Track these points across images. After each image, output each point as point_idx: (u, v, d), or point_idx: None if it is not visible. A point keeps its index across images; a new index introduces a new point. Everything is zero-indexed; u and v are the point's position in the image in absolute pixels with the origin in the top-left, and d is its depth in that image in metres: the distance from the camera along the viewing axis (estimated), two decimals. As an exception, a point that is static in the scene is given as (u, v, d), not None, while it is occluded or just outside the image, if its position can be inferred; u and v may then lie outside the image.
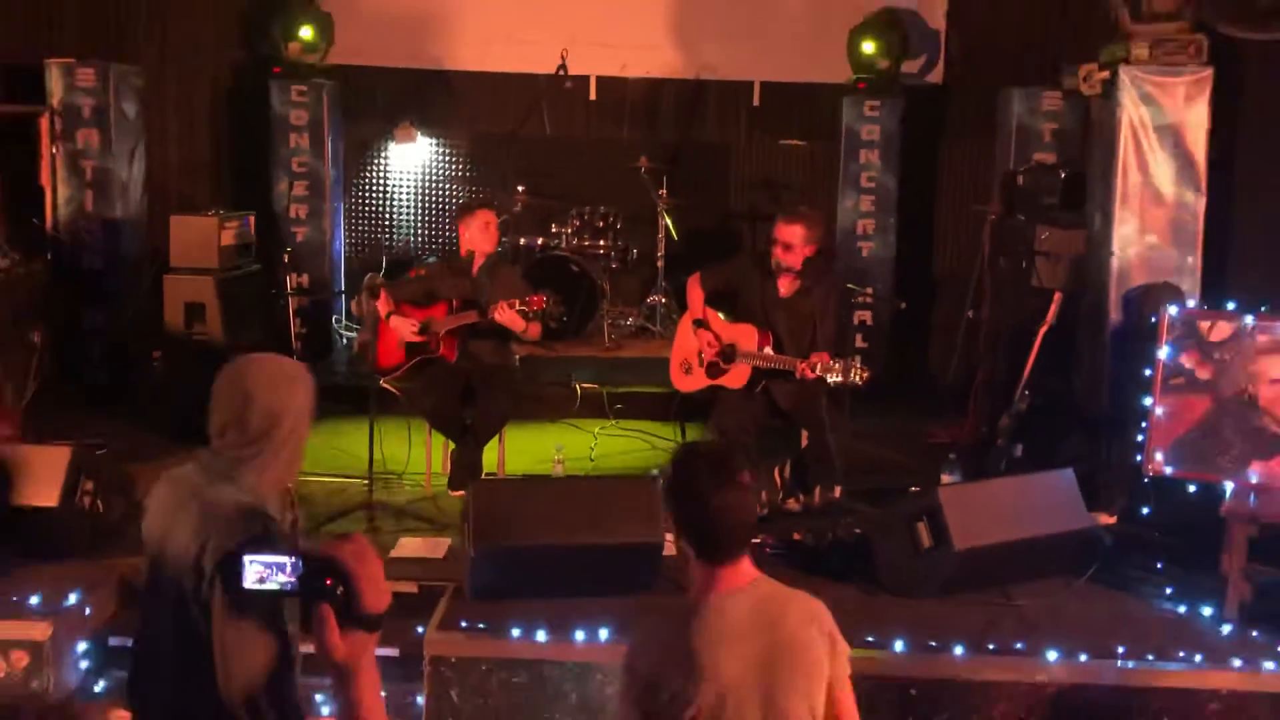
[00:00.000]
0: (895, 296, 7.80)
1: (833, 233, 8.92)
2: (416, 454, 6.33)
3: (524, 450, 6.72)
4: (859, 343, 8.52)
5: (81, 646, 4.69)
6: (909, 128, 8.76)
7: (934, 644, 4.53)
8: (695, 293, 6.05)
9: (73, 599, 4.71)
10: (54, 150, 7.97)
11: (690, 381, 6.05)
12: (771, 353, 5.77)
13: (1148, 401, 5.28)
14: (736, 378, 5.85)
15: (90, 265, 7.99)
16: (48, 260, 7.85)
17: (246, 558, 1.50)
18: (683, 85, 9.40)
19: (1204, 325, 5.20)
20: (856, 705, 2.77)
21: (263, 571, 1.51)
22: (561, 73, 8.52)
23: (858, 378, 5.49)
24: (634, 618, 2.83)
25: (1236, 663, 4.49)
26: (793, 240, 5.78)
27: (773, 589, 2.74)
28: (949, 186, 9.29)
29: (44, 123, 7.96)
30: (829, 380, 5.53)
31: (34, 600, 4.66)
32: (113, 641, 4.79)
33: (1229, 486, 5.00)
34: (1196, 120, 5.82)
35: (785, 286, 5.92)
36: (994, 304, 7.56)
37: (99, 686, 4.68)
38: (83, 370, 7.88)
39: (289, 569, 1.50)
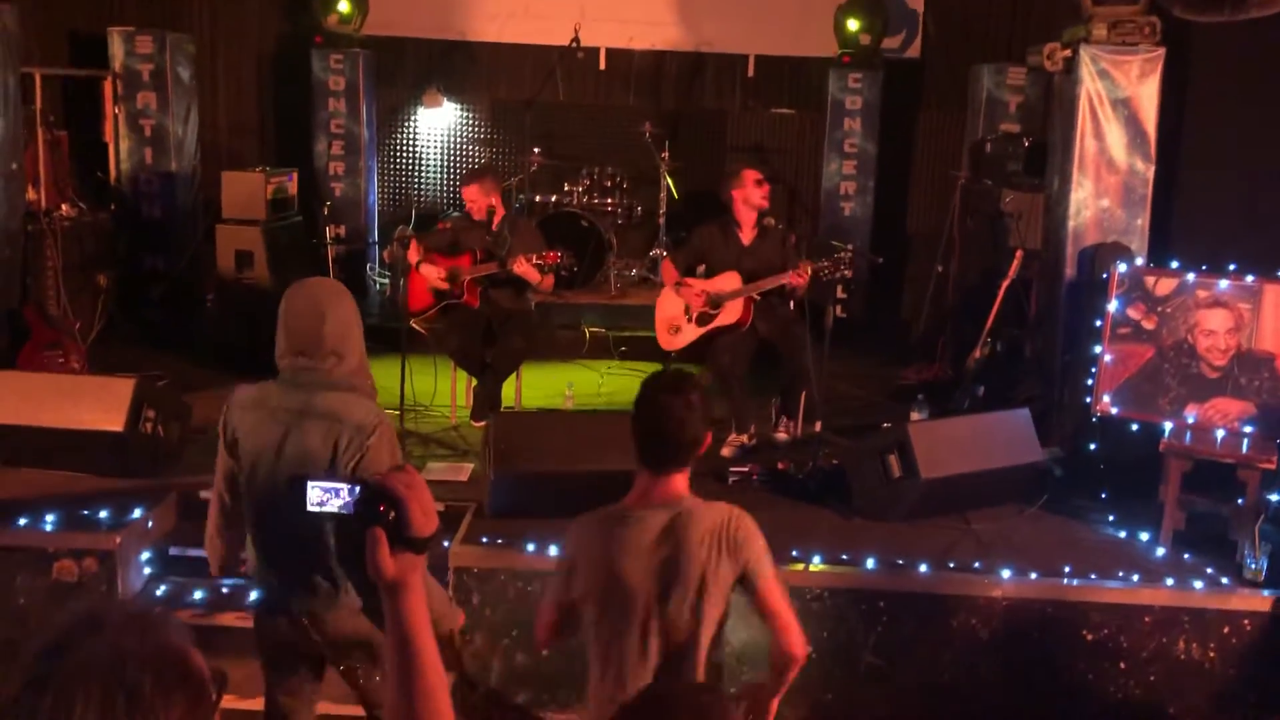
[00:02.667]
0: (872, 252, 7.75)
1: (817, 194, 8.90)
2: (442, 388, 6.35)
3: (538, 386, 6.73)
4: (839, 294, 8.50)
5: (145, 555, 4.74)
6: (888, 98, 8.69)
7: (901, 562, 4.57)
8: (670, 271, 6.04)
9: (137, 513, 4.75)
10: (116, 111, 7.91)
11: (679, 339, 5.99)
12: (759, 280, 5.78)
13: (1097, 349, 5.29)
14: (730, 314, 5.84)
15: (150, 215, 7.96)
16: (111, 210, 7.83)
17: (310, 482, 1.51)
18: (684, 57, 9.30)
19: (1150, 281, 5.19)
20: (785, 598, 2.70)
21: (323, 495, 1.52)
22: (574, 44, 8.42)
23: (846, 268, 5.52)
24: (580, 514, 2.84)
25: (1169, 582, 4.53)
26: (764, 188, 5.97)
27: (691, 507, 2.69)
28: (923, 153, 9.22)
29: (107, 85, 7.89)
30: (823, 276, 5.57)
31: (103, 514, 4.70)
32: (172, 551, 4.85)
33: (1168, 426, 5.02)
34: (1148, 95, 5.77)
35: (747, 236, 5.94)
36: (961, 260, 7.55)
37: (160, 590, 4.74)
38: (143, 310, 7.88)
39: (346, 494, 1.51)
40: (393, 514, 1.47)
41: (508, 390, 6.25)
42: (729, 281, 5.85)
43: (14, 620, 4.52)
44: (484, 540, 4.54)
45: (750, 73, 9.28)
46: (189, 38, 8.25)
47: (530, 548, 4.51)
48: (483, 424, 5.62)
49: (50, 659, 1.20)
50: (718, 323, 5.88)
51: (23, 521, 4.61)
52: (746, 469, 5.46)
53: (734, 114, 9.41)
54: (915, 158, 9.22)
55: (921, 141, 9.21)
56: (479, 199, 6.12)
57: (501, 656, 4.43)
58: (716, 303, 5.85)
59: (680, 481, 2.73)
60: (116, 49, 7.88)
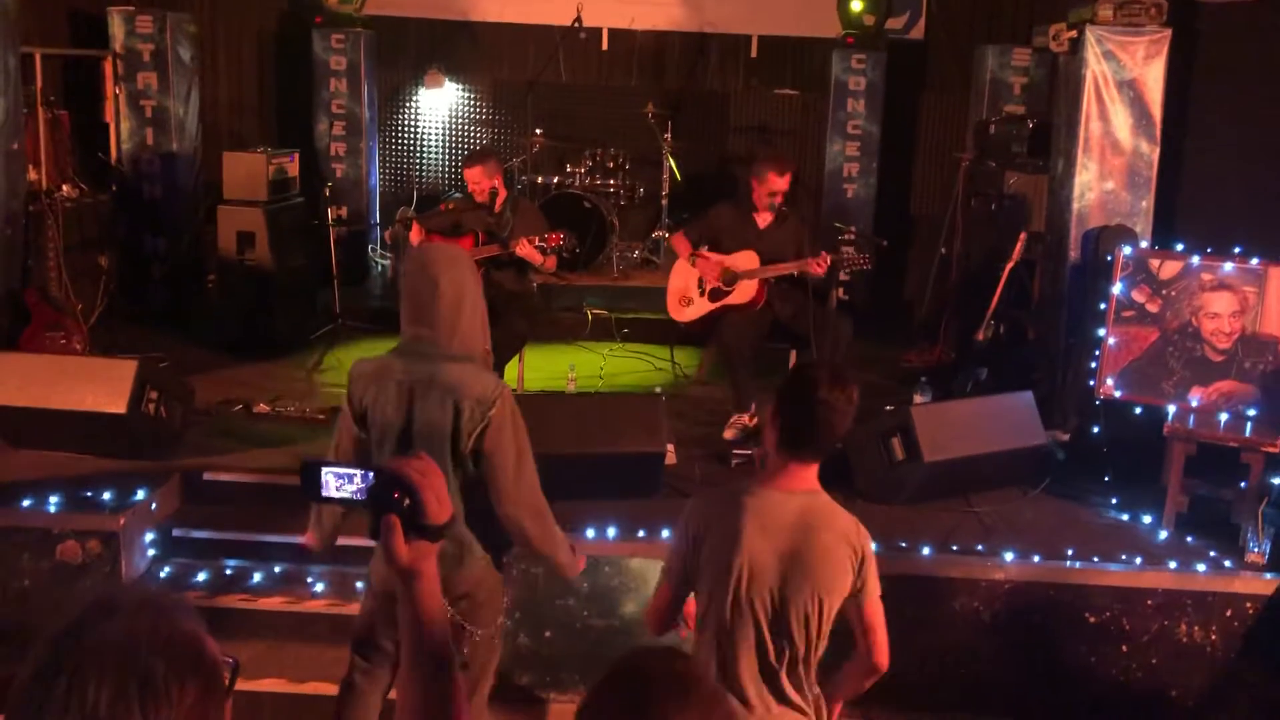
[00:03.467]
0: (876, 235, 7.73)
1: (820, 175, 8.87)
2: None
3: (541, 369, 6.72)
4: (841, 276, 8.48)
5: (149, 536, 4.75)
6: (892, 80, 8.64)
7: (904, 544, 4.58)
8: (682, 244, 6.02)
9: (140, 495, 4.76)
10: (117, 91, 7.86)
11: (691, 312, 6.02)
12: (776, 265, 5.77)
13: (1101, 332, 5.28)
14: (743, 294, 5.83)
15: (151, 196, 7.92)
16: (113, 191, 7.80)
17: (324, 469, 1.51)
18: (686, 38, 9.25)
19: (1154, 264, 5.17)
20: (883, 616, 2.76)
21: (337, 482, 1.52)
22: (576, 25, 8.37)
23: (864, 263, 5.50)
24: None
25: (1172, 565, 4.54)
26: (785, 187, 5.85)
27: (825, 503, 2.71)
28: (927, 134, 9.18)
29: (108, 66, 7.85)
30: (843, 268, 5.55)
31: (107, 495, 4.70)
32: (175, 532, 4.85)
33: (1171, 409, 5.02)
34: (1154, 77, 5.74)
35: (763, 220, 5.92)
36: (965, 242, 7.54)
37: (164, 571, 4.74)
38: (145, 291, 7.86)
39: (360, 479, 1.51)
40: (407, 501, 1.47)
41: (510, 373, 6.24)
42: (747, 260, 5.83)
43: (18, 601, 4.53)
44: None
45: (754, 53, 9.23)
46: (189, 17, 8.19)
47: (533, 530, 4.50)
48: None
49: (63, 644, 1.20)
50: (730, 300, 5.87)
51: (27, 503, 4.62)
52: (749, 451, 5.46)
53: (737, 95, 9.37)
54: (919, 139, 9.18)
55: (925, 123, 9.17)
56: (482, 181, 6.10)
57: (505, 639, 4.43)
58: (732, 279, 5.85)
59: (814, 472, 2.73)
60: (117, 29, 7.83)
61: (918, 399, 5.98)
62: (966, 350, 6.24)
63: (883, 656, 2.74)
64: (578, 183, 8.60)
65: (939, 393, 6.15)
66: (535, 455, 4.79)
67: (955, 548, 4.58)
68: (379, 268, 8.88)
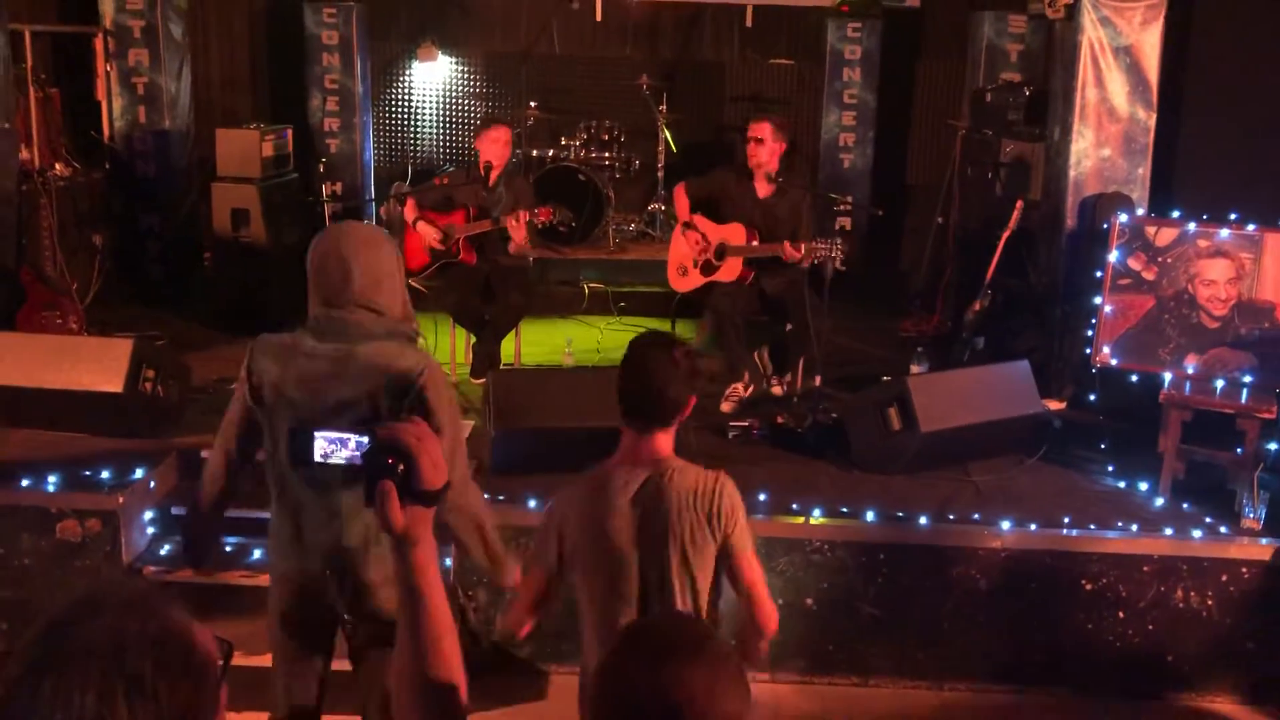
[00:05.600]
0: (872, 204, 7.72)
1: (816, 145, 8.83)
2: (442, 346, 6.33)
3: (537, 343, 6.72)
4: (836, 266, 8.46)
5: (148, 515, 4.76)
6: (887, 48, 8.59)
7: (900, 514, 4.59)
8: (682, 200, 6.00)
9: (138, 473, 4.76)
10: (108, 68, 7.81)
11: (686, 282, 6.02)
12: (758, 244, 5.75)
13: (1097, 300, 5.27)
14: (729, 271, 5.83)
15: (144, 173, 7.88)
16: (106, 169, 7.76)
17: (316, 433, 1.50)
18: (681, 8, 9.18)
19: (1150, 231, 5.16)
20: (760, 573, 2.68)
21: (328, 447, 1.50)
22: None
23: (837, 255, 5.45)
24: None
25: (1168, 531, 4.56)
26: (763, 134, 5.78)
27: (673, 467, 2.65)
28: (923, 103, 9.13)
29: (98, 42, 7.79)
30: (814, 259, 5.50)
31: (105, 475, 4.71)
32: (174, 510, 4.86)
33: (1167, 376, 5.02)
34: (1150, 42, 5.70)
35: (762, 189, 5.88)
36: (961, 210, 7.51)
37: (163, 550, 4.75)
38: (140, 269, 7.83)
39: (354, 445, 1.49)
40: (402, 466, 1.45)
41: (507, 347, 6.24)
42: (733, 234, 5.81)
43: (19, 580, 4.55)
44: (485, 497, 4.53)
45: (748, 22, 9.17)
46: (180, -8, 8.13)
47: (532, 504, 4.53)
48: (482, 381, 5.62)
49: (49, 643, 1.19)
50: (720, 275, 5.87)
51: (25, 482, 4.62)
52: (746, 424, 5.46)
53: (732, 65, 9.31)
54: (915, 108, 9.14)
55: (921, 91, 9.12)
56: (499, 145, 6.02)
57: (504, 611, 4.46)
58: (721, 254, 5.83)
59: (663, 441, 2.69)
60: (107, 5, 7.76)
61: (914, 369, 5.98)
62: (963, 319, 6.23)
63: (767, 618, 2.65)
64: (573, 155, 8.56)
65: (935, 362, 6.15)
66: (534, 429, 4.84)
67: (952, 517, 4.60)
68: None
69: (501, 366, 6.02)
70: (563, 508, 2.74)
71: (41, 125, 7.28)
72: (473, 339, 6.20)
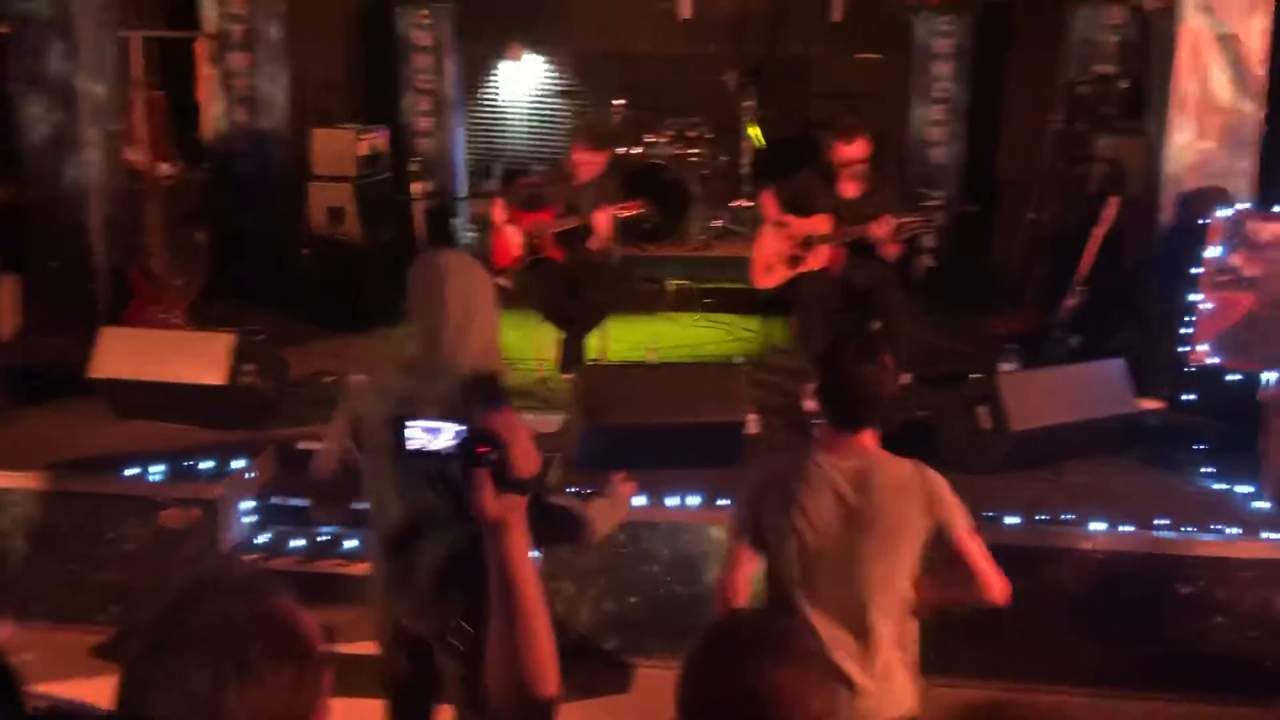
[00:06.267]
0: (963, 201, 7.60)
1: (904, 141, 8.72)
2: (530, 342, 6.41)
3: (623, 339, 6.76)
4: (928, 243, 8.36)
5: (246, 505, 4.91)
6: (979, 41, 8.44)
7: (989, 514, 4.52)
8: (769, 203, 6.00)
9: (237, 464, 4.92)
10: (210, 71, 8.06)
11: (771, 278, 6.00)
12: (845, 229, 5.71)
13: (1195, 297, 5.13)
14: (818, 259, 5.80)
15: (244, 173, 8.10)
16: (207, 169, 8.00)
17: (408, 422, 1.54)
18: (768, 3, 9.15)
19: (1252, 226, 5.00)
20: (983, 549, 2.75)
21: (423, 438, 1.54)
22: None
23: (929, 232, 5.39)
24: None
25: (1269, 535, 4.41)
26: (857, 154, 5.75)
27: (880, 459, 2.74)
28: (1015, 96, 8.94)
29: (201, 46, 8.04)
30: (906, 234, 5.45)
31: (206, 465, 4.87)
32: (273, 500, 5.01)
33: (1269, 376, 4.86)
34: (1256, 30, 5.52)
35: (849, 189, 5.83)
36: (1055, 206, 7.35)
37: (261, 538, 4.90)
38: (240, 266, 8.06)
39: (448, 435, 1.54)
40: (495, 455, 1.50)
41: (592, 343, 6.30)
42: (820, 225, 5.79)
43: (127, 565, 4.73)
44: (570, 490, 4.60)
45: (836, 17, 9.09)
46: (278, -3, 8.34)
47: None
48: (569, 376, 5.68)
49: (167, 624, 1.25)
50: (806, 266, 5.84)
51: (132, 471, 4.81)
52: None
53: (819, 60, 9.24)
54: (1007, 101, 8.95)
55: (1013, 85, 8.93)
56: (594, 163, 6.10)
57: (590, 604, 4.51)
58: (808, 245, 5.81)
59: (868, 438, 2.76)
60: (209, 10, 8.01)
61: (1005, 366, 5.87)
62: (1056, 317, 6.11)
63: (996, 592, 2.74)
64: (659, 152, 8.59)
65: (1027, 360, 6.03)
66: (621, 424, 4.87)
67: (1043, 517, 4.51)
68: (463, 241, 8.99)
69: (588, 362, 6.08)
70: (763, 490, 2.78)
71: (148, 127, 7.55)
72: (559, 335, 6.27)
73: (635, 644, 4.52)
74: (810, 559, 2.67)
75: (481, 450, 1.51)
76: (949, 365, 6.35)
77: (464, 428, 1.54)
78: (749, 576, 2.81)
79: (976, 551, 2.74)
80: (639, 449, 4.77)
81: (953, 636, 4.43)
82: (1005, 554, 4.40)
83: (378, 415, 2.79)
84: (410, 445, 1.56)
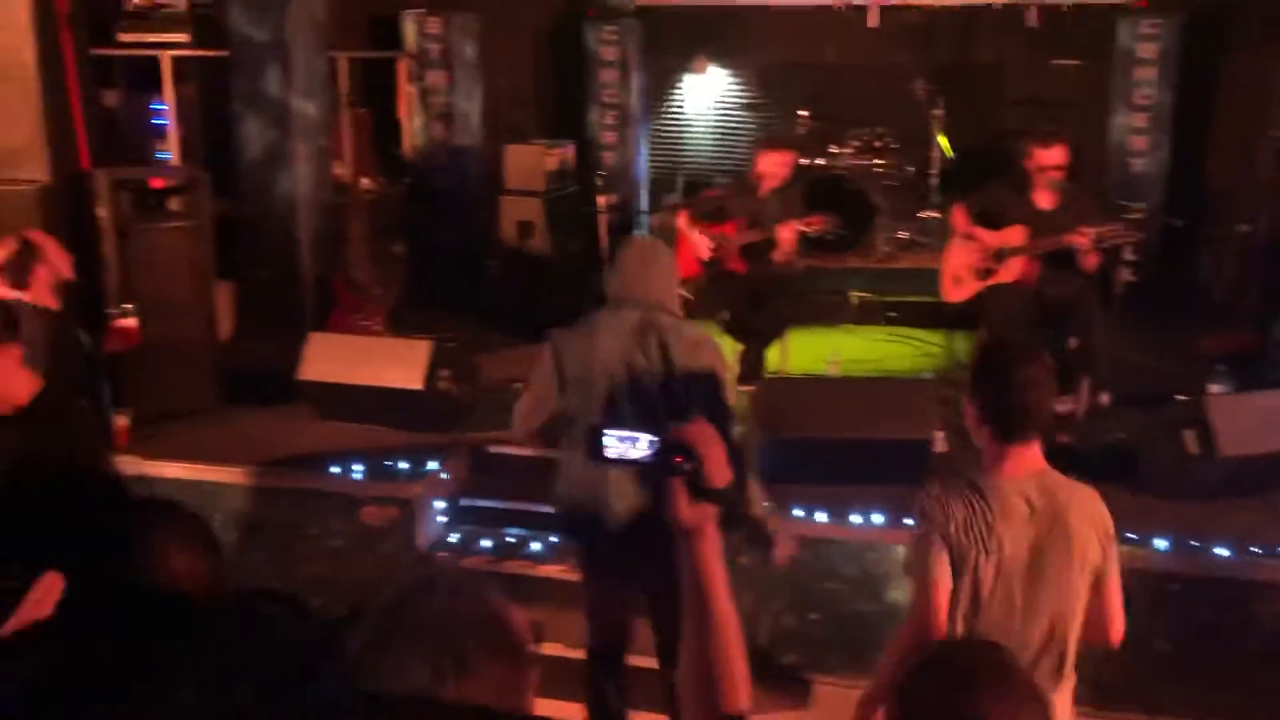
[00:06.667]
0: (1166, 211, 7.23)
1: (1103, 150, 8.34)
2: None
3: (804, 352, 6.70)
4: (1129, 255, 7.97)
5: (440, 504, 5.11)
6: (1189, 44, 8.00)
7: (1196, 544, 4.28)
8: (960, 217, 5.84)
9: (433, 465, 5.13)
10: (410, 89, 8.44)
11: (961, 291, 5.85)
12: (1041, 239, 5.51)
13: None
14: (1010, 271, 5.62)
15: (439, 187, 8.45)
16: (406, 184, 8.39)
17: (605, 431, 1.58)
18: (959, 10, 8.92)
19: None
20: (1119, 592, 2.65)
21: (620, 446, 1.58)
22: (845, 3, 8.27)
23: (1130, 244, 5.12)
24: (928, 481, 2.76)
25: None
26: (1055, 160, 5.52)
27: (1060, 482, 2.62)
28: (1226, 102, 8.44)
29: (401, 66, 8.44)
30: (1105, 244, 5.21)
31: (403, 465, 5.10)
32: (463, 501, 5.20)
33: None
34: None
35: (1044, 199, 5.61)
36: (1271, 218, 6.91)
37: (453, 538, 5.09)
38: (435, 276, 8.40)
39: (645, 445, 1.57)
40: (690, 465, 1.52)
41: (772, 356, 6.27)
42: (1013, 236, 5.61)
43: (329, 559, 4.99)
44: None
45: (1031, 23, 8.79)
46: (474, 17, 8.67)
47: (798, 513, 4.53)
48: (749, 389, 5.68)
49: (391, 618, 1.32)
50: (998, 278, 5.66)
51: (335, 470, 5.08)
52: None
53: (1012, 67, 8.96)
54: (1216, 107, 8.46)
55: (1224, 89, 8.44)
56: (780, 169, 6.10)
57: (770, 618, 4.49)
58: (1000, 257, 5.64)
59: (1036, 451, 2.64)
60: (409, 30, 8.40)
61: (1214, 388, 5.54)
62: (1272, 335, 5.73)
63: (1117, 633, 2.64)
64: (843, 163, 8.50)
65: (1240, 382, 5.68)
66: (802, 438, 4.84)
67: (1257, 549, 4.24)
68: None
69: (769, 375, 6.06)
70: (943, 513, 2.65)
71: (353, 144, 7.98)
72: (739, 347, 6.28)
73: (815, 660, 4.48)
74: (1003, 579, 2.58)
75: (677, 460, 1.54)
76: (1152, 385, 6.03)
77: (659, 437, 1.57)
78: (948, 596, 2.72)
79: (1117, 593, 2.62)
80: (819, 464, 4.73)
81: (1149, 670, 4.22)
82: (1213, 587, 4.19)
83: (577, 351, 3.47)
84: (607, 453, 1.60)
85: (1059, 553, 2.56)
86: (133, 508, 1.97)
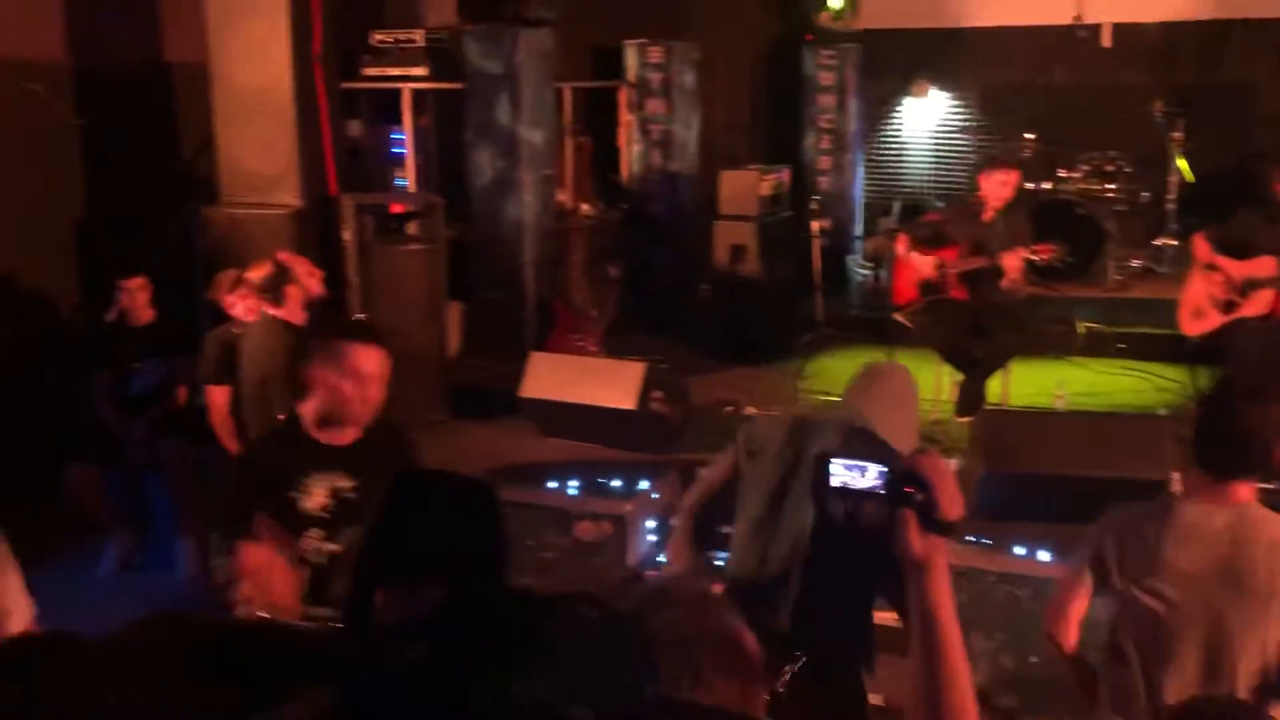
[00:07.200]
0: None
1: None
2: (926, 382, 6.29)
3: (1027, 384, 6.45)
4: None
5: (650, 523, 5.19)
6: None
7: None
8: (1203, 244, 5.51)
9: (644, 484, 5.21)
10: (630, 117, 8.66)
11: (1201, 324, 5.51)
12: None
13: None
14: (1255, 306, 5.26)
15: (654, 212, 8.63)
16: (623, 209, 8.60)
17: (833, 460, 1.59)
18: (1203, 27, 8.43)
19: None
20: None
21: (846, 475, 1.58)
22: (1076, 23, 7.96)
23: None
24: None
25: None
26: None
27: (1259, 514, 2.48)
28: None
29: (622, 95, 8.68)
30: None
31: (616, 483, 5.21)
32: (673, 522, 5.25)
33: None
34: None
35: None
36: None
37: (662, 557, 5.15)
38: (647, 299, 8.56)
39: (873, 474, 1.57)
40: (921, 496, 1.51)
41: (993, 387, 6.07)
42: (1263, 267, 5.24)
43: (543, 571, 5.15)
44: (970, 539, 4.46)
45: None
46: (694, 46, 8.82)
47: (1019, 551, 4.36)
48: (968, 420, 5.51)
49: (625, 626, 1.36)
50: (1243, 312, 5.31)
51: (552, 485, 5.24)
52: (1273, 486, 4.87)
53: (1264, 84, 8.38)
54: None
55: None
56: (1004, 189, 5.94)
57: (988, 658, 4.34)
58: (1245, 288, 5.28)
59: (1245, 490, 2.53)
60: (631, 60, 8.63)
61: None
62: None
63: None
64: (1071, 188, 8.16)
65: None
66: (1024, 473, 4.66)
67: None
68: (858, 278, 9.00)
69: (989, 406, 5.87)
70: (1119, 532, 2.63)
71: (574, 171, 8.25)
72: (959, 377, 6.11)
73: (1034, 704, 4.28)
74: (1172, 612, 2.47)
75: (908, 490, 1.52)
76: None
77: (888, 468, 1.56)
78: (1083, 610, 2.66)
79: None
80: (1042, 500, 4.54)
81: None
82: None
83: (773, 444, 3.04)
84: (833, 481, 1.60)
85: (1239, 586, 2.44)
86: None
